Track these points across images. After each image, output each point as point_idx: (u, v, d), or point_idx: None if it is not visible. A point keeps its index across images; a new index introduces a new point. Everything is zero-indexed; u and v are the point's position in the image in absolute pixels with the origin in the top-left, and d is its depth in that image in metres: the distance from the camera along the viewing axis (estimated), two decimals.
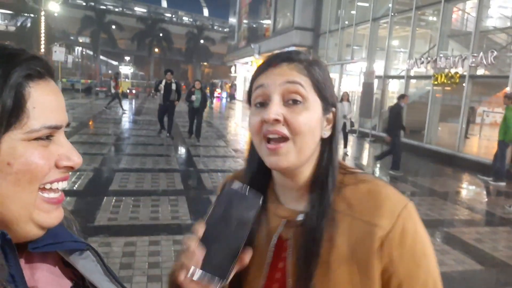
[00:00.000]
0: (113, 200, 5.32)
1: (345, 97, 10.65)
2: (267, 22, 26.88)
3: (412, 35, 12.73)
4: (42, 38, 20.89)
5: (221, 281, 0.63)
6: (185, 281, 0.64)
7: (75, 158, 0.57)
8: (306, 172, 0.78)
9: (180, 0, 68.59)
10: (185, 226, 4.60)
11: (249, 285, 0.80)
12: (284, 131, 0.72)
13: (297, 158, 0.73)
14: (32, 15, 29.85)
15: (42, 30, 21.05)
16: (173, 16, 66.86)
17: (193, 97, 10.45)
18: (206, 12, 78.05)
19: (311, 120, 0.73)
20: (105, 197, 5.41)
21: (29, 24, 31.55)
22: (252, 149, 0.82)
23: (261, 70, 0.78)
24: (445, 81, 10.79)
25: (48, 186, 0.55)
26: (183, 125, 13.85)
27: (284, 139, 0.72)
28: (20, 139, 0.51)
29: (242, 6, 34.58)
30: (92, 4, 45.26)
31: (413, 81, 13.96)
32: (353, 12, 16.79)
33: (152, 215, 4.88)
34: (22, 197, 0.52)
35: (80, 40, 45.87)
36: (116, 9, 56.70)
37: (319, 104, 0.75)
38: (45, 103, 0.54)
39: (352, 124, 11.53)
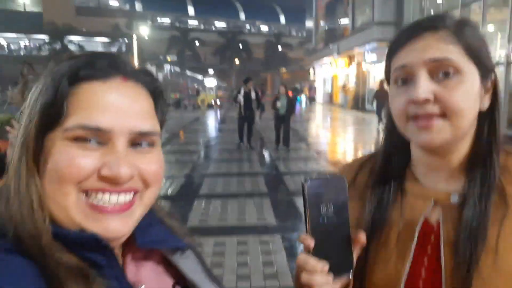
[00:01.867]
0: (203, 203, 5.60)
1: None
2: (345, 22, 26.28)
3: (510, 16, 11.43)
4: (136, 60, 23.02)
5: (349, 273, 0.63)
6: None
7: (115, 169, 0.49)
8: (462, 149, 0.69)
9: (257, 10, 70.10)
10: (271, 227, 4.67)
11: (391, 269, 0.72)
12: (436, 111, 0.62)
13: (453, 134, 0.64)
14: (126, 40, 33.12)
15: (135, 53, 23.20)
16: (251, 27, 68.77)
17: (278, 104, 9.80)
18: (282, 19, 78.86)
19: (469, 94, 0.63)
20: (196, 200, 5.73)
21: (124, 49, 35.03)
22: (391, 126, 0.74)
23: (399, 43, 0.66)
24: None
25: (92, 193, 0.51)
26: (263, 130, 14.09)
27: (436, 115, 0.63)
28: (60, 138, 0.50)
29: (318, 8, 34.34)
30: (177, 24, 48.69)
31: None
32: (439, 1, 15.61)
33: (239, 217, 5.04)
34: (56, 198, 0.50)
35: (169, 59, 49.48)
36: (199, 27, 60.13)
37: (476, 72, 0.64)
38: (90, 102, 0.50)
39: None
